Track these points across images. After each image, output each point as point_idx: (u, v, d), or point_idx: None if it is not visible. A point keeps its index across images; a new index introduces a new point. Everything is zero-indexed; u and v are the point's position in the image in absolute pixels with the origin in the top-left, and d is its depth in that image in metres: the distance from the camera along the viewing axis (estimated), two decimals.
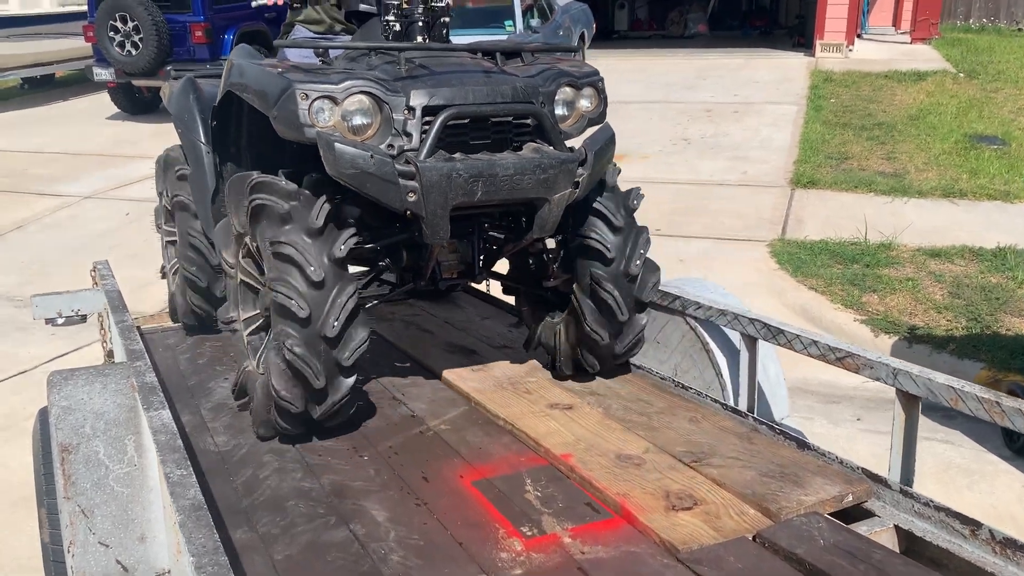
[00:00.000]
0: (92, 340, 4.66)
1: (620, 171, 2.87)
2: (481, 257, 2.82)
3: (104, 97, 12.70)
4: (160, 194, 3.64)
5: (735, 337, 2.69)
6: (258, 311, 2.56)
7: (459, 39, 8.04)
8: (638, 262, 2.65)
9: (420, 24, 2.63)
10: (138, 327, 3.32)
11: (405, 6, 2.62)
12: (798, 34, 14.31)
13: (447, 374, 3.05)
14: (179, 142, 3.33)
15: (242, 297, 2.60)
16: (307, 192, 2.34)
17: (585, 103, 2.62)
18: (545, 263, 2.84)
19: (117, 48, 10.10)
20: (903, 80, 10.83)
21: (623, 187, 2.84)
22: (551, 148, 2.43)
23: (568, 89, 2.57)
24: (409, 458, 2.41)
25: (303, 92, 2.24)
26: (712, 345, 2.69)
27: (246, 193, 2.35)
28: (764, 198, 6.69)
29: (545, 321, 2.90)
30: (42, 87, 14.04)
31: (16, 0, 12.65)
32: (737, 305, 2.78)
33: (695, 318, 2.74)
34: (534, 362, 3.15)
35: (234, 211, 2.47)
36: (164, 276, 3.78)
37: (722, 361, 2.68)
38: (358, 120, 2.30)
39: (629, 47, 15.39)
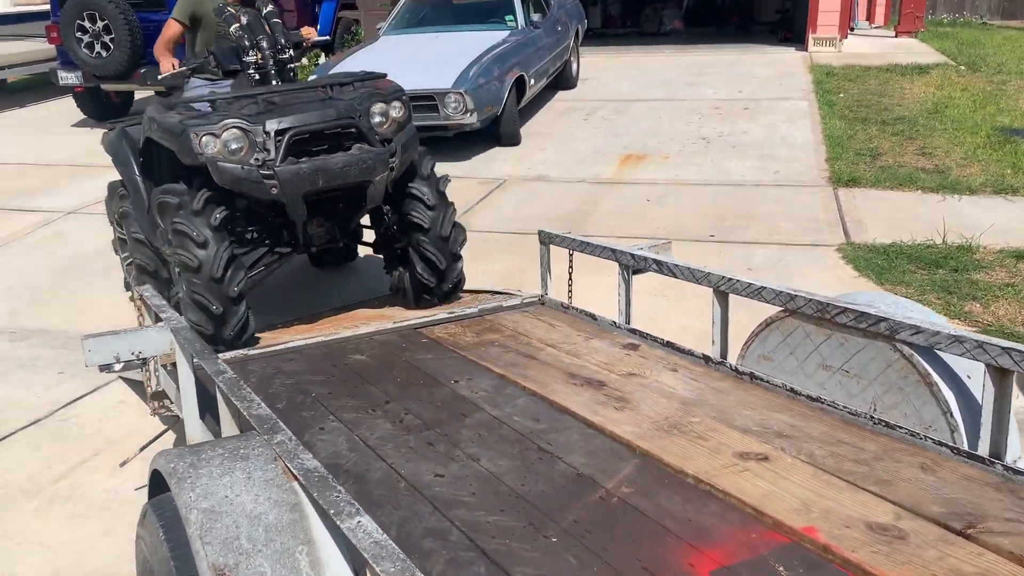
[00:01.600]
0: (108, 380, 4.07)
1: (435, 162, 4.05)
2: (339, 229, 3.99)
3: (66, 103, 11.86)
4: (112, 223, 4.84)
5: (966, 367, 2.26)
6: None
7: (459, 35, 9.09)
8: (448, 227, 3.92)
9: (272, 72, 4.00)
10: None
11: (259, 62, 4.00)
12: (784, 29, 14.05)
13: (589, 415, 2.57)
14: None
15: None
16: (193, 191, 3.49)
17: (395, 112, 3.74)
18: (393, 231, 4.05)
19: (86, 50, 9.36)
20: (906, 73, 10.61)
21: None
22: (369, 146, 3.59)
23: (380, 104, 3.70)
24: (609, 537, 1.92)
25: (194, 131, 3.40)
26: (935, 377, 2.24)
27: (155, 199, 3.57)
28: (809, 199, 6.31)
29: (397, 271, 4.14)
30: None
31: None
32: (945, 325, 2.34)
33: (910, 344, 2.29)
34: (683, 394, 2.69)
35: (158, 214, 3.58)
36: (129, 290, 4.73)
37: (950, 396, 2.23)
38: (233, 145, 3.41)
39: (608, 44, 14.98)
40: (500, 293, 4.15)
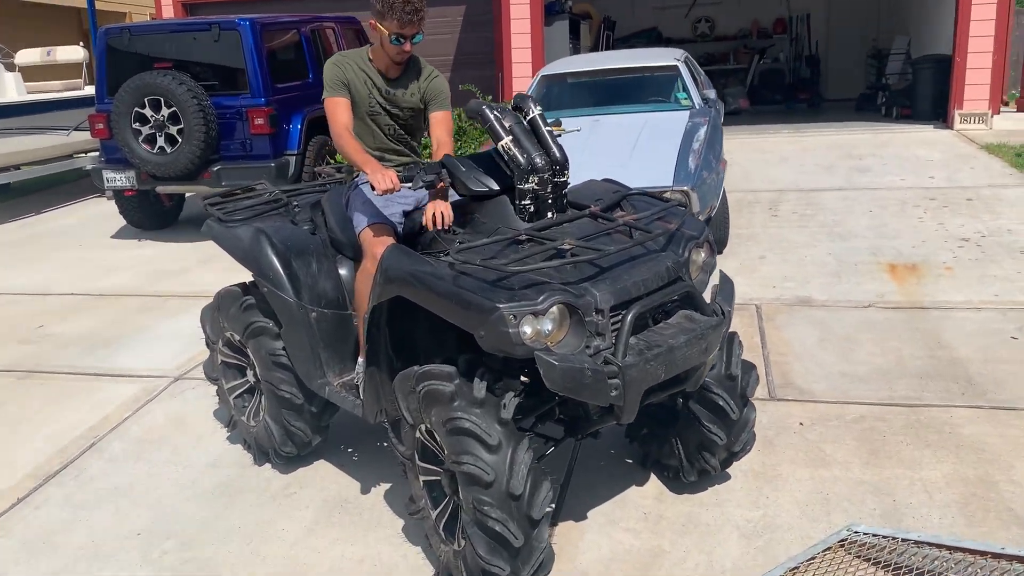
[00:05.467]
0: None
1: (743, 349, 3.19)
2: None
3: (93, 208, 9.90)
4: (211, 342, 3.87)
5: None
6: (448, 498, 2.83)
7: (627, 118, 7.16)
8: (736, 365, 3.08)
9: (549, 201, 2.95)
10: None
11: (536, 189, 2.91)
12: (900, 106, 12.57)
13: None
14: (239, 280, 3.84)
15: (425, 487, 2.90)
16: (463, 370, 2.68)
17: (703, 256, 2.99)
18: None
19: (145, 144, 7.38)
20: None
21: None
22: (700, 315, 2.80)
23: (696, 250, 2.95)
24: None
25: (511, 313, 2.46)
26: None
27: (414, 384, 2.72)
28: None
29: (654, 439, 3.34)
30: None
31: None
32: None
33: None
34: None
35: (404, 404, 2.79)
36: (229, 425, 3.96)
37: None
38: (548, 326, 2.53)
39: None
40: None
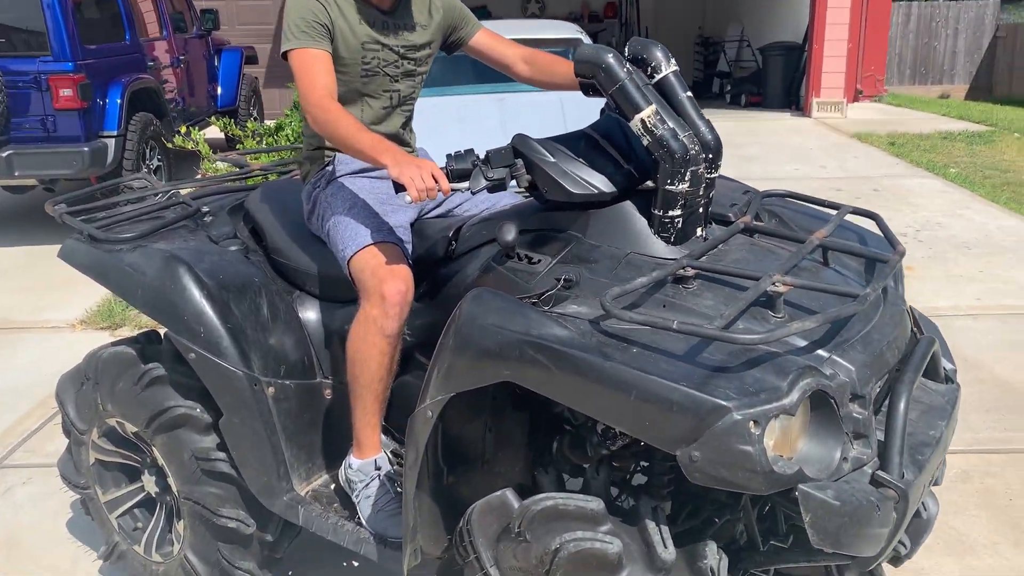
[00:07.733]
0: None
1: None
2: None
3: None
4: (77, 431, 2.42)
5: None
6: None
7: (533, 95, 5.51)
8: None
9: (700, 210, 1.86)
10: None
11: (689, 192, 1.79)
12: (748, 93, 12.43)
13: None
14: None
15: None
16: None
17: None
18: None
19: None
20: (974, 142, 9.16)
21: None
22: (934, 383, 1.90)
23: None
24: None
25: (750, 418, 1.40)
26: None
27: (523, 529, 1.59)
28: None
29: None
30: None
31: None
32: None
33: None
34: None
35: (488, 553, 1.67)
36: (109, 558, 2.50)
37: None
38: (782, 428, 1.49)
39: None
40: None
